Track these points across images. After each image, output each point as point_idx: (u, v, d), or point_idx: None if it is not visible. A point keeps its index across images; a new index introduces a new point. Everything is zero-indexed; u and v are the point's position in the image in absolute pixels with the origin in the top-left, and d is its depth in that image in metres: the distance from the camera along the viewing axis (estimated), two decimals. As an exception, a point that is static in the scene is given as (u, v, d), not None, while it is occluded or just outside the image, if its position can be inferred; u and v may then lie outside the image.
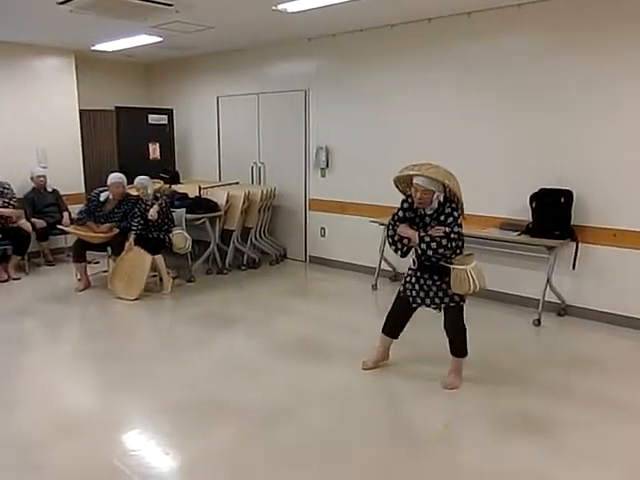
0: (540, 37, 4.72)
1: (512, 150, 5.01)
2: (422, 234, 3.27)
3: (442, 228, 3.23)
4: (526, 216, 4.82)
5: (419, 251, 3.29)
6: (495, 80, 5.04)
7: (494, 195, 5.14)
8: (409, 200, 3.41)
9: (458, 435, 3.02)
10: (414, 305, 3.53)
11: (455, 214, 3.26)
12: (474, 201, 5.15)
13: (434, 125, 5.48)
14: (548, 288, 4.72)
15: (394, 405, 3.51)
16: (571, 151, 4.68)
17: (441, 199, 3.28)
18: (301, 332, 4.53)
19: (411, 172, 3.27)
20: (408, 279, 3.53)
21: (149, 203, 5.50)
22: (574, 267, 4.71)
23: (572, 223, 4.63)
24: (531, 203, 4.76)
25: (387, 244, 3.58)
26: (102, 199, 5.70)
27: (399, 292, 3.62)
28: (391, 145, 5.82)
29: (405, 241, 3.35)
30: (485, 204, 5.14)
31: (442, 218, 3.27)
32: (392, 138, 5.82)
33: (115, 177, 5.66)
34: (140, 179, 5.55)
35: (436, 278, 3.38)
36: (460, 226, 3.29)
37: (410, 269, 3.53)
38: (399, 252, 3.43)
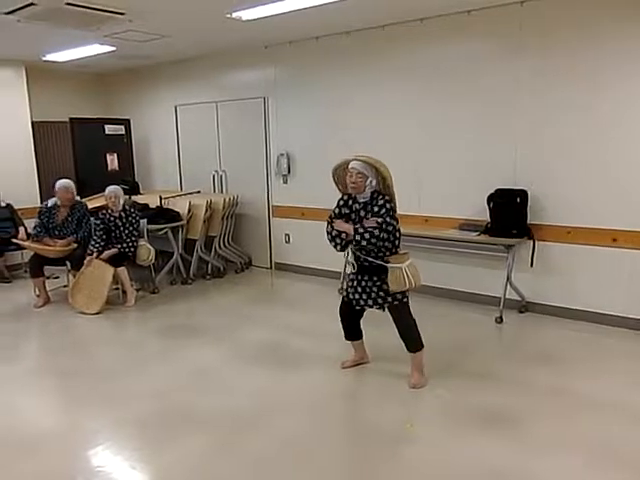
0: (491, 42, 4.85)
1: (469, 152, 5.12)
2: (356, 227, 3.34)
3: (376, 219, 3.31)
4: (484, 216, 4.93)
5: (354, 242, 3.35)
6: (450, 84, 5.14)
7: (453, 197, 5.24)
8: (344, 197, 3.52)
9: (425, 433, 3.07)
10: (357, 307, 3.60)
11: (388, 205, 3.34)
12: (434, 203, 5.29)
13: (393, 129, 5.56)
14: (508, 286, 4.83)
15: (361, 407, 3.53)
16: (525, 152, 4.81)
17: (374, 184, 3.36)
18: (269, 339, 4.52)
19: (348, 159, 3.40)
20: (350, 283, 3.61)
21: (116, 214, 5.43)
22: (532, 265, 4.84)
23: (528, 222, 4.76)
24: (488, 203, 4.88)
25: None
26: (50, 204, 5.63)
27: (342, 296, 3.70)
28: (351, 149, 5.81)
29: (343, 235, 3.41)
30: (444, 206, 5.24)
31: (375, 209, 3.36)
32: (352, 142, 5.84)
33: (62, 183, 5.57)
34: (113, 188, 5.47)
35: (375, 279, 3.45)
36: (395, 219, 3.36)
37: (351, 273, 3.60)
38: (338, 247, 3.48)
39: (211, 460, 2.83)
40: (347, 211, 3.50)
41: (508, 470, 2.68)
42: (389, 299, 3.46)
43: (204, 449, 2.92)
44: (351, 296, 3.59)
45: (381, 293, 3.46)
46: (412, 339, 3.52)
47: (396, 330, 3.53)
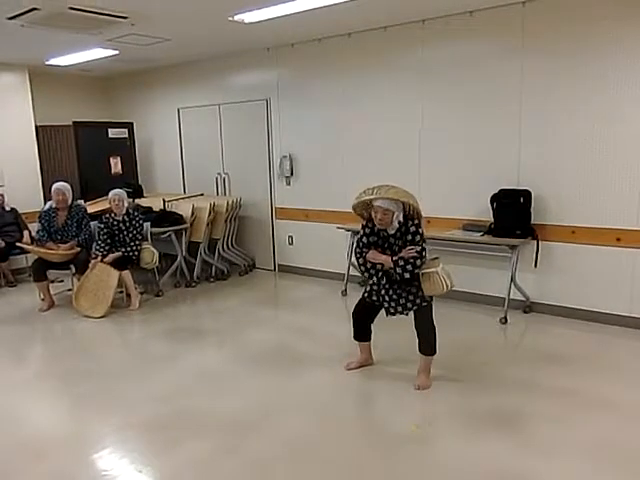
0: (494, 43, 4.84)
1: (472, 152, 5.11)
2: (395, 258, 3.33)
3: (414, 248, 3.31)
4: (488, 217, 4.92)
5: (396, 276, 3.35)
6: (452, 85, 5.14)
7: (456, 197, 5.24)
8: (369, 225, 3.48)
9: (431, 435, 3.06)
10: (387, 315, 3.58)
11: (420, 230, 3.37)
12: (437, 204, 5.28)
13: (395, 130, 5.56)
14: (512, 286, 4.83)
15: (367, 409, 3.54)
16: (528, 152, 4.80)
17: (401, 218, 3.36)
18: (272, 341, 4.52)
19: (370, 197, 3.34)
20: (376, 288, 3.57)
21: (119, 218, 5.44)
22: (536, 265, 4.83)
23: (532, 222, 4.75)
24: (492, 204, 4.87)
25: (360, 271, 3.56)
26: (47, 207, 5.70)
27: (364, 298, 3.67)
28: (354, 151, 5.87)
29: (379, 266, 3.41)
30: (447, 206, 5.25)
31: (409, 237, 3.36)
32: (355, 144, 5.87)
33: (56, 185, 5.59)
34: (117, 192, 5.49)
35: (405, 286, 3.45)
36: (425, 240, 3.41)
37: (377, 280, 3.57)
38: (374, 278, 3.49)
39: (216, 463, 2.82)
40: (375, 238, 3.47)
41: (515, 472, 2.66)
42: (418, 301, 3.46)
43: (209, 451, 2.92)
44: (374, 298, 3.58)
45: (410, 297, 3.46)
46: (429, 341, 3.52)
47: (415, 330, 3.52)
